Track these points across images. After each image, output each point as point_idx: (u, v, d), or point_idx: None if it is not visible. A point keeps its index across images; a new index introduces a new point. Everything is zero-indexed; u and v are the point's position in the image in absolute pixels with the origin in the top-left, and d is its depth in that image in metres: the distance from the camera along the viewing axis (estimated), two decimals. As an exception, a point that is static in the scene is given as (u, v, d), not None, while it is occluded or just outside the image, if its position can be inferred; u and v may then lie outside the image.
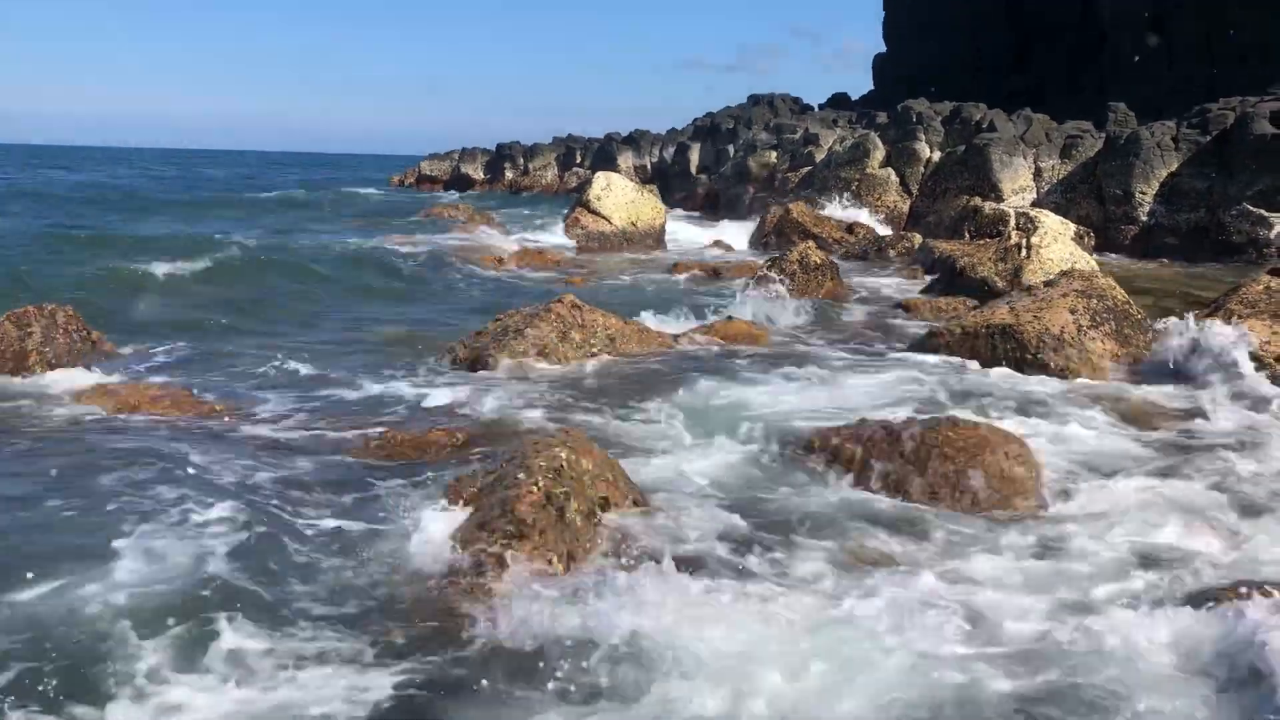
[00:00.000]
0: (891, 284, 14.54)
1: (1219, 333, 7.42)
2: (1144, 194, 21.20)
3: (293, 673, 3.38)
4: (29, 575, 3.83)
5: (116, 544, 4.13)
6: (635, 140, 47.03)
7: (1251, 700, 3.12)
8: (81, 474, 5.12)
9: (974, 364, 8.01)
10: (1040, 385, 7.32)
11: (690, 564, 4.13)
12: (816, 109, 43.01)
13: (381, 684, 3.33)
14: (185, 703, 3.19)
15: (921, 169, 25.19)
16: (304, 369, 8.02)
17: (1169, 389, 7.22)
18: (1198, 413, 6.70)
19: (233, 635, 3.52)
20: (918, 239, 18.20)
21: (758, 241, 20.15)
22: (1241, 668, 3.24)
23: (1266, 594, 3.60)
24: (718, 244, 20.68)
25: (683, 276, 15.35)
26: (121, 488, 4.88)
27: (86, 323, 8.37)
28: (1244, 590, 3.67)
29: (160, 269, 12.97)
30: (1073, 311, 7.94)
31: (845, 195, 24.68)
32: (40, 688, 3.19)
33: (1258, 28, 30.38)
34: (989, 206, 17.70)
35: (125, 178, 51.87)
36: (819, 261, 12.81)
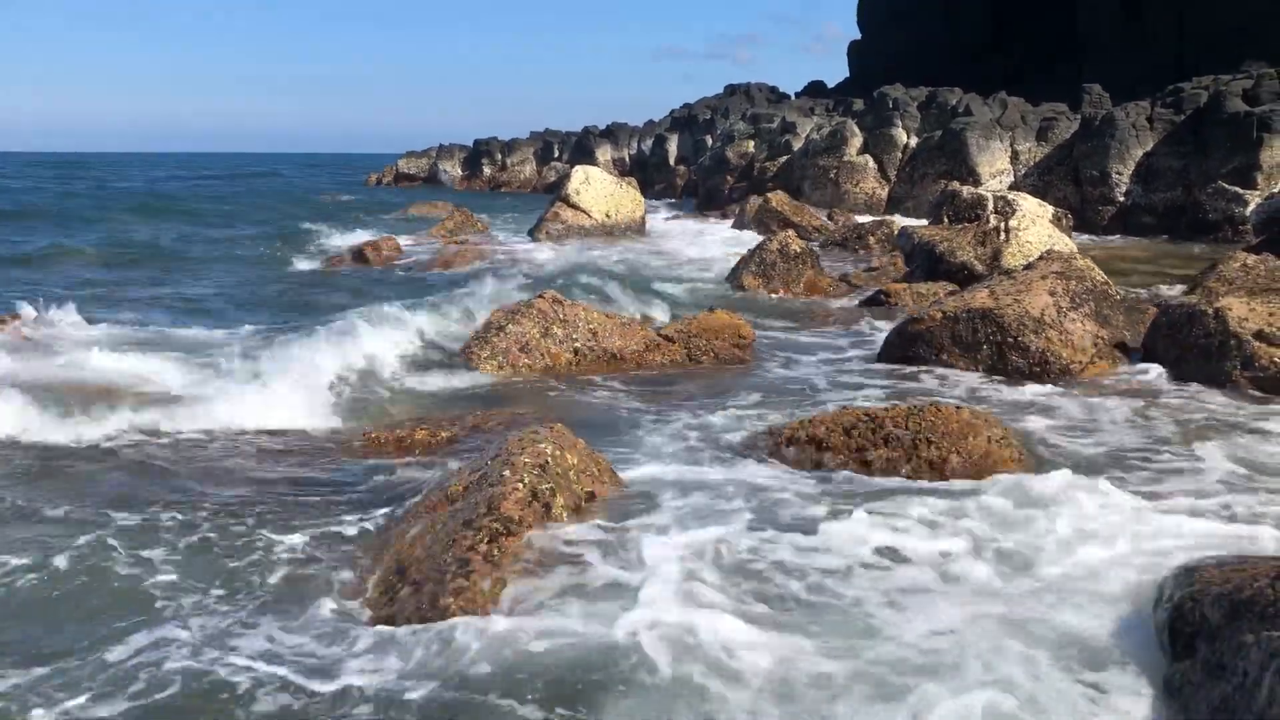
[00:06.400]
0: (871, 271, 14.53)
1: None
2: (1120, 174, 21.33)
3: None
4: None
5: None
6: (613, 133, 46.95)
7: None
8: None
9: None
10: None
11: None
12: (793, 97, 43.00)
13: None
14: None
15: (899, 155, 25.27)
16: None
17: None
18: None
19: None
20: (896, 224, 18.23)
21: (739, 229, 20.19)
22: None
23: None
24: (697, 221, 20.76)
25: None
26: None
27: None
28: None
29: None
30: (1052, 294, 7.96)
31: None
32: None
33: (1230, 7, 30.54)
34: (967, 190, 17.69)
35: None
36: (799, 250, 12.83)
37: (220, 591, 4.01)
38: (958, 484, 4.93)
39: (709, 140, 37.81)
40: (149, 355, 7.71)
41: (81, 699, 3.21)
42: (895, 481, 5.08)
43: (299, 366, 7.24)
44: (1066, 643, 3.40)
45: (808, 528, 4.36)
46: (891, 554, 4.12)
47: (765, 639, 3.47)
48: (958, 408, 5.58)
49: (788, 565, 4.03)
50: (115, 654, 3.47)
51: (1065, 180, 22.38)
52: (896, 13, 47.13)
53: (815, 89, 45.97)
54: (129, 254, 17.45)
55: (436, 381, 7.69)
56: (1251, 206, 19.18)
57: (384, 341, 8.23)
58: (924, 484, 4.98)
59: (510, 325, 8.37)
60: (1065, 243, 12.28)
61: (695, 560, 4.04)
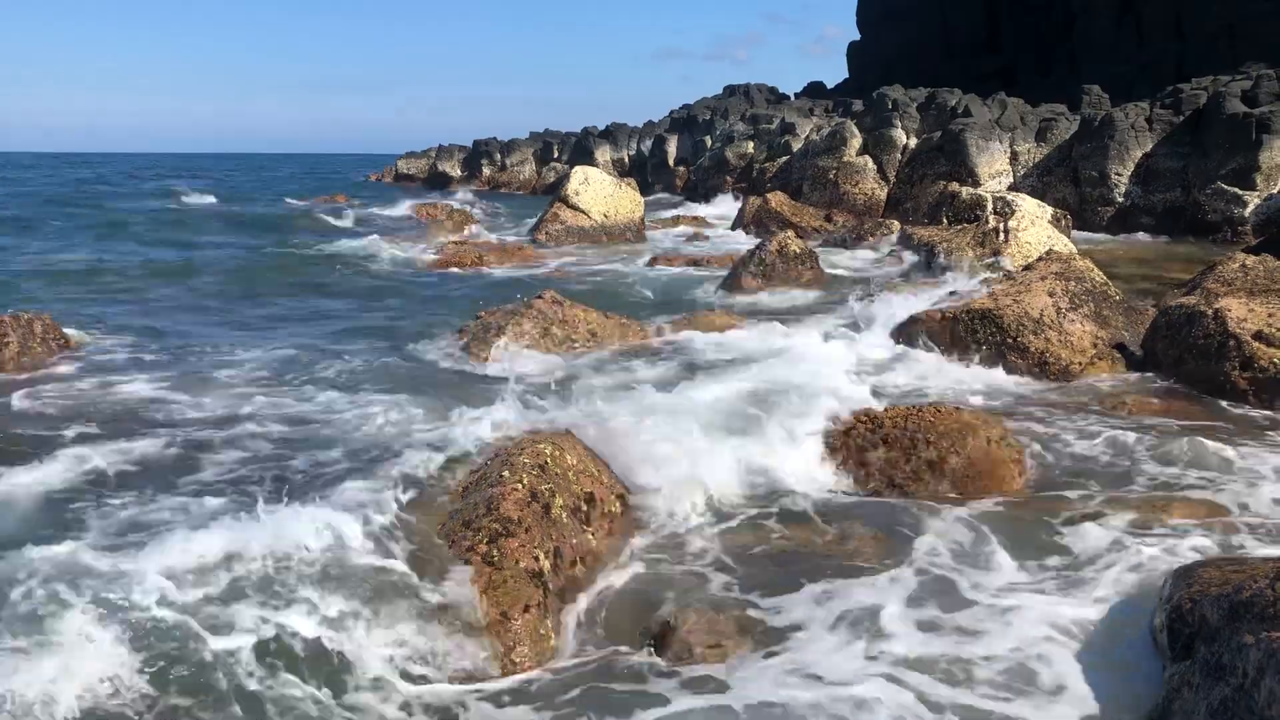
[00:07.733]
0: (872, 271, 14.54)
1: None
2: (1119, 175, 21.32)
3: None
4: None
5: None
6: (612, 134, 46.90)
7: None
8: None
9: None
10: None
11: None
12: (793, 98, 42.99)
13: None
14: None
15: (898, 156, 25.23)
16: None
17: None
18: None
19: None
20: (896, 226, 18.23)
21: (738, 230, 20.18)
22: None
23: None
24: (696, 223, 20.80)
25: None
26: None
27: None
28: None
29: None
30: (1051, 294, 7.96)
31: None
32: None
33: (1225, 6, 30.56)
34: (966, 191, 17.73)
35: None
36: (798, 250, 12.83)
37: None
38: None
39: (708, 141, 37.79)
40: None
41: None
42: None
43: None
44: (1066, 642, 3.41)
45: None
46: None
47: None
48: (956, 408, 5.58)
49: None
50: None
51: (1064, 181, 22.37)
52: (895, 13, 47.18)
53: (815, 90, 45.99)
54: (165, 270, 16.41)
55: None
56: (1250, 207, 19.19)
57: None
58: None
59: (509, 325, 8.37)
60: (1064, 243, 12.29)
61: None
